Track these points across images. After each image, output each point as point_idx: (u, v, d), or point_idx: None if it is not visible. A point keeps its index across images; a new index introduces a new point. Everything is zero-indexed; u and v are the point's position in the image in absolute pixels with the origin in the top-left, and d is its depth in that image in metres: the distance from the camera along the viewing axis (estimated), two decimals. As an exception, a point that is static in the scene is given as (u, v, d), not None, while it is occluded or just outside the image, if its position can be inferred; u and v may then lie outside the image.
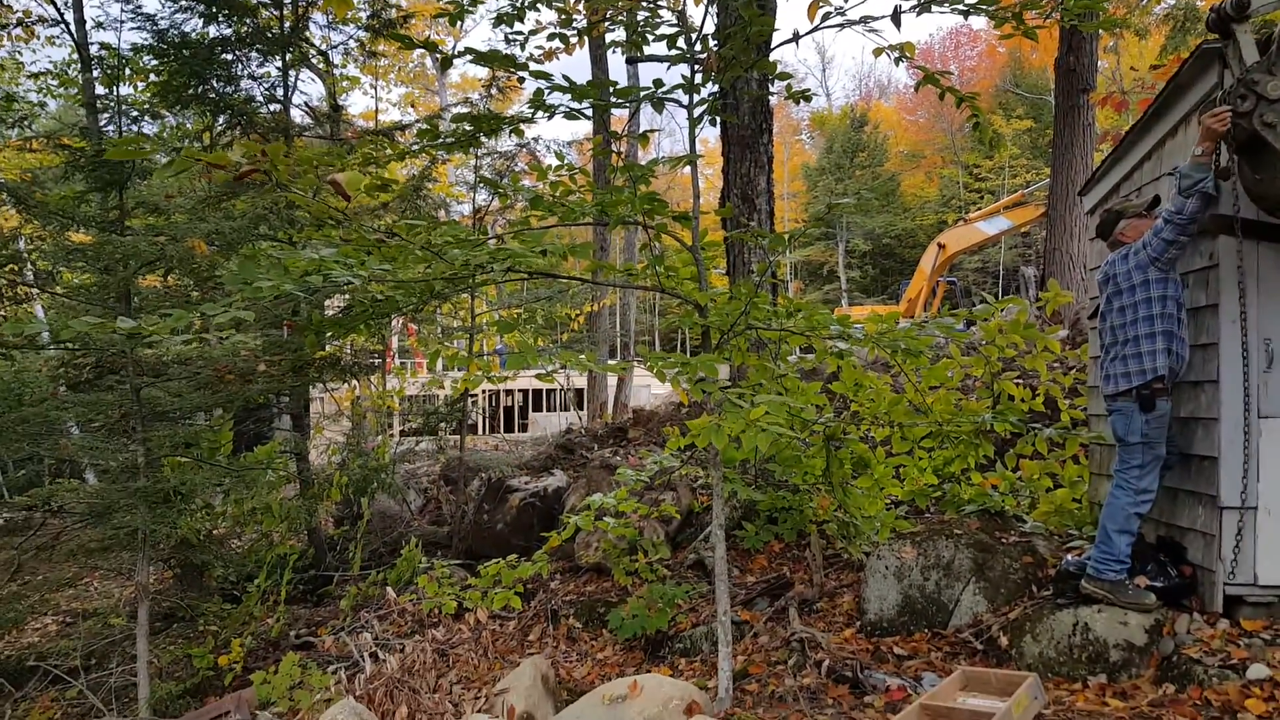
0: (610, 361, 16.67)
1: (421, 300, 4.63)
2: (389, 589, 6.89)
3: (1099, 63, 13.82)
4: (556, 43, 5.23)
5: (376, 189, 4.02)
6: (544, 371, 4.04)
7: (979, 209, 28.09)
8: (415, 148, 5.15)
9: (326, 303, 8.87)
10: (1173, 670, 3.87)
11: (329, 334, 6.67)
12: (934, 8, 3.77)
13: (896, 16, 3.82)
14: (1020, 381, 6.54)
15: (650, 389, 24.40)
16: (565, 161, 4.69)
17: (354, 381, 10.18)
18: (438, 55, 4.63)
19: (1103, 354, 4.45)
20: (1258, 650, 3.78)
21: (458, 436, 11.30)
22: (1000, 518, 5.96)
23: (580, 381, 20.07)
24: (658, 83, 4.12)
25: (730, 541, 7.01)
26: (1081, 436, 5.72)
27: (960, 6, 3.81)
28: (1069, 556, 4.82)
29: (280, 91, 9.04)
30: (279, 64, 8.98)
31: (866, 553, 5.78)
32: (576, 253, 4.24)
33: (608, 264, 4.88)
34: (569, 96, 4.26)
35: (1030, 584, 4.93)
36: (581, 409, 19.42)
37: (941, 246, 22.45)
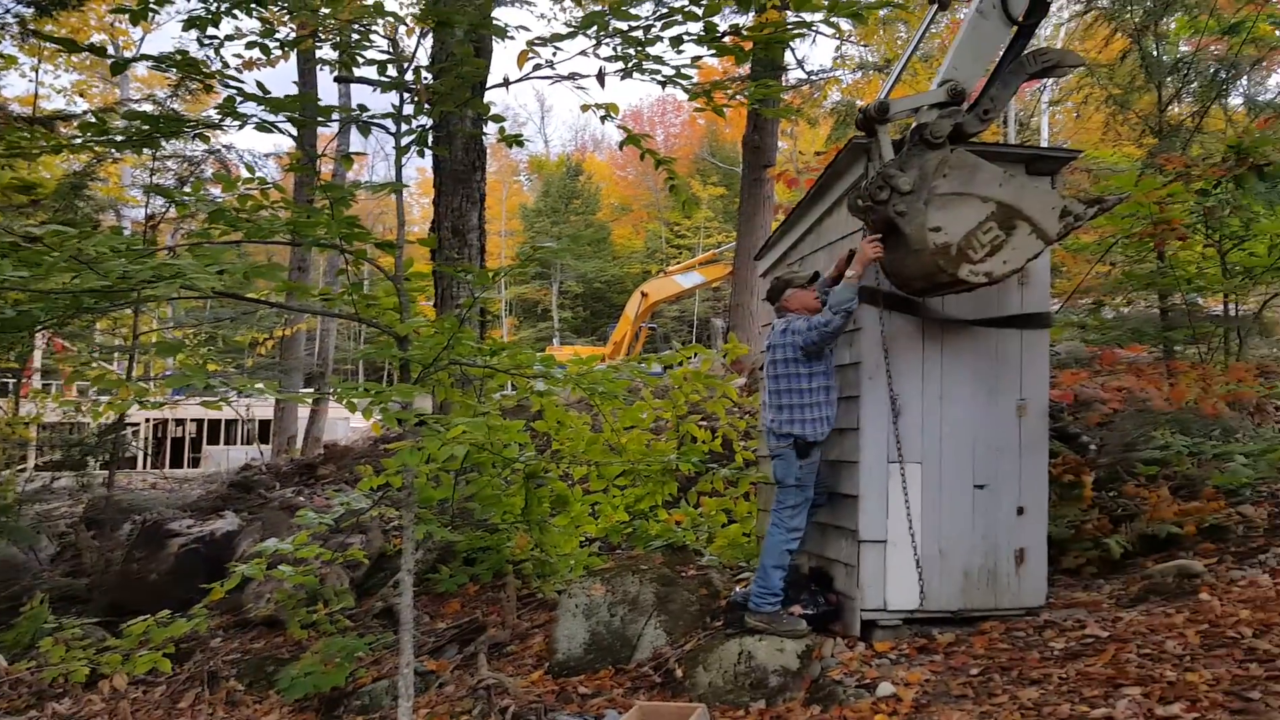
0: (302, 390, 15.61)
1: (67, 315, 4.03)
2: None
3: (780, 143, 15.58)
4: (257, 52, 4.86)
5: (16, 190, 3.45)
6: (211, 399, 3.66)
7: (678, 263, 30.22)
8: (77, 142, 4.54)
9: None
10: (820, 692, 4.30)
11: (-57, 348, 5.56)
12: (635, 75, 4.03)
13: (601, 77, 4.03)
14: (704, 424, 7.05)
15: (349, 422, 23.14)
16: (257, 174, 4.34)
17: (-25, 405, 8.56)
18: (108, 59, 4.11)
19: (765, 408, 4.92)
20: (885, 669, 4.32)
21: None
22: (682, 552, 6.35)
23: (266, 412, 18.52)
24: (362, 107, 3.97)
25: (424, 586, 6.78)
26: (751, 476, 6.27)
27: (659, 77, 4.11)
28: (738, 589, 5.23)
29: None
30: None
31: (560, 591, 5.86)
32: (262, 274, 3.92)
33: (301, 286, 4.57)
34: (265, 107, 3.96)
35: (705, 615, 5.27)
36: (267, 443, 17.91)
37: (644, 295, 23.91)
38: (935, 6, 4.56)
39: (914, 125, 4.29)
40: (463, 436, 3.55)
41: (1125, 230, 7.39)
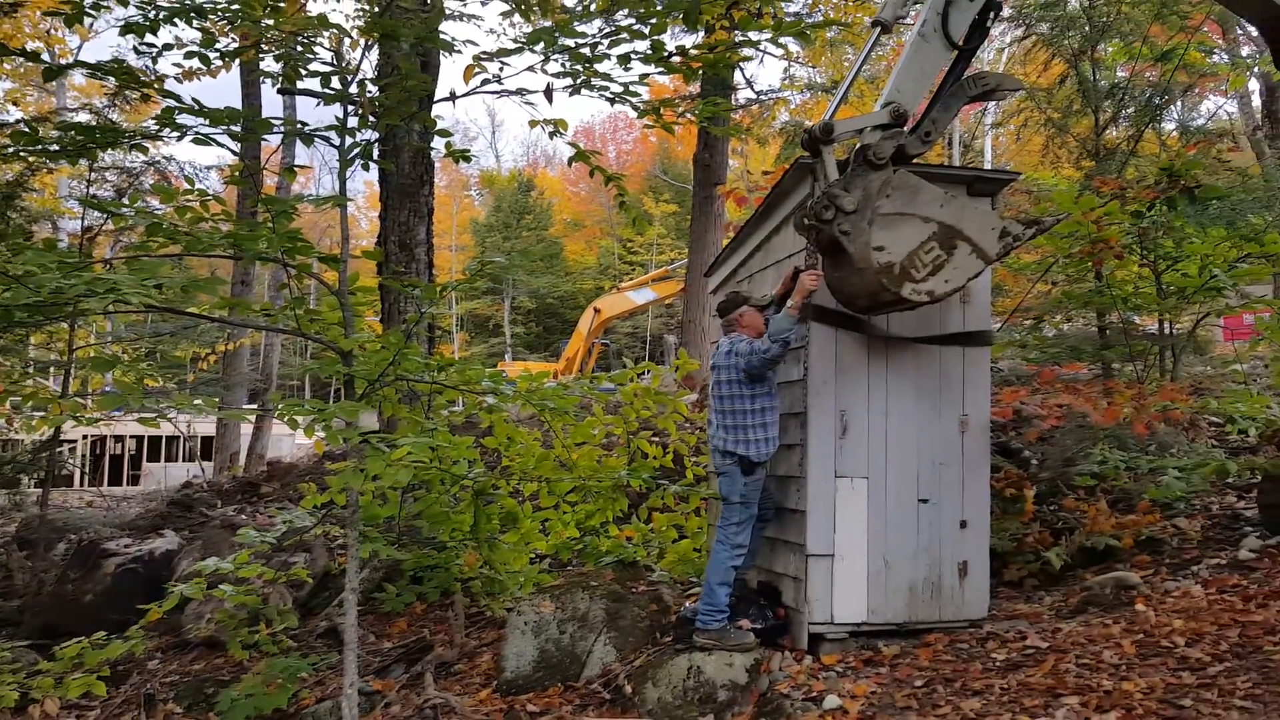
0: (244, 407, 15.26)
1: (-3, 329, 3.90)
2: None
3: (730, 162, 15.77)
4: (196, 62, 4.79)
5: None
6: (149, 416, 3.56)
7: (631, 280, 30.30)
8: (9, 151, 4.42)
9: None
10: (768, 705, 4.31)
11: None
12: (584, 91, 4.05)
13: (549, 92, 4.04)
14: (655, 440, 7.06)
15: (294, 439, 22.68)
16: (198, 187, 4.27)
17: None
18: (41, 65, 4.02)
19: (712, 426, 4.94)
20: (832, 682, 4.35)
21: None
22: (633, 568, 6.33)
23: (208, 429, 18.08)
24: (303, 122, 3.93)
25: (370, 605, 6.67)
26: (702, 491, 6.29)
27: (607, 94, 4.13)
28: (688, 604, 5.23)
29: None
30: None
31: (509, 609, 5.80)
32: (201, 287, 3.84)
33: (241, 302, 4.48)
34: (203, 119, 3.90)
35: (655, 631, 5.25)
36: (209, 460, 17.47)
37: (597, 311, 23.90)
38: (878, 29, 4.66)
39: (858, 146, 4.37)
40: (407, 459, 3.50)
41: (1065, 250, 7.60)
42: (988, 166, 22.03)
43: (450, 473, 5.99)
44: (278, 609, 6.09)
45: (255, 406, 15.88)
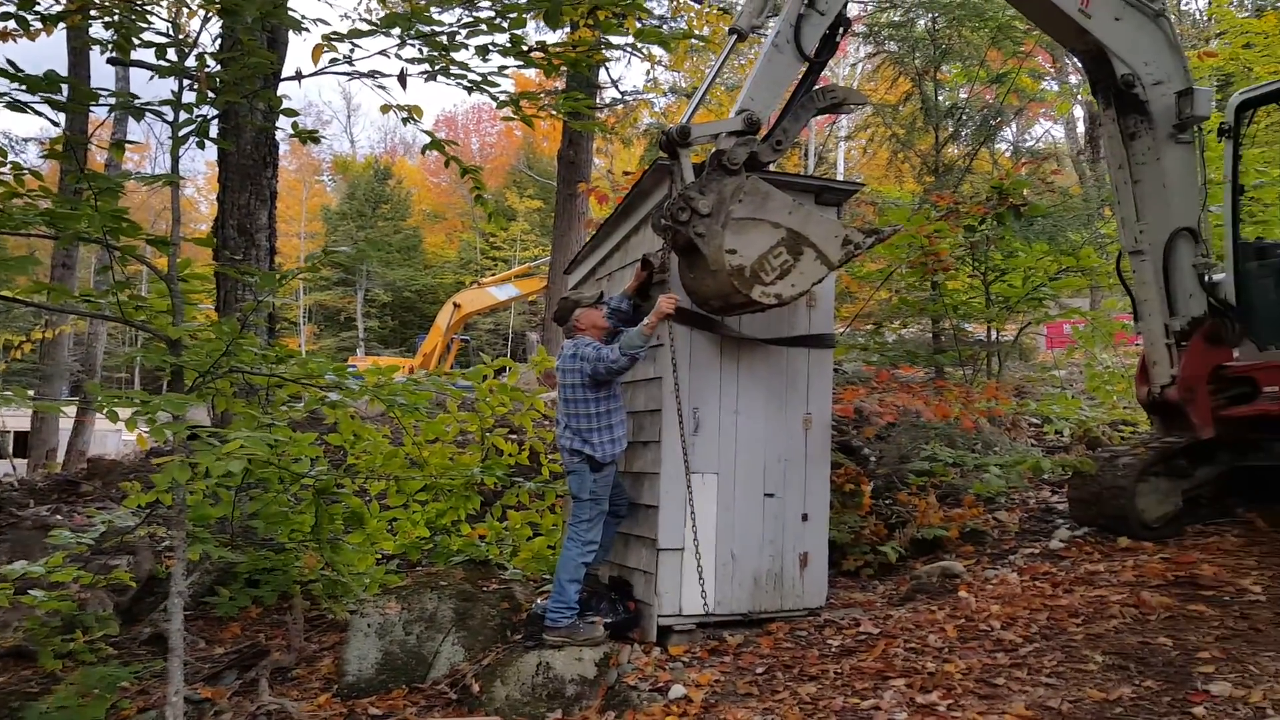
0: (61, 399, 14.05)
1: None
2: None
3: (595, 160, 15.84)
4: (13, 24, 4.36)
5: None
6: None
7: (493, 275, 29.90)
8: None
9: None
10: (615, 698, 4.36)
11: None
12: (441, 78, 3.96)
13: (403, 77, 3.93)
14: (512, 437, 7.00)
15: (121, 435, 21.06)
16: (12, 159, 3.89)
17: None
18: None
19: (559, 426, 4.94)
20: (679, 673, 4.45)
21: None
22: (485, 566, 6.25)
23: (22, 423, 16.53)
24: (134, 95, 3.65)
25: (201, 609, 6.31)
26: (558, 488, 6.29)
27: (464, 82, 4.06)
28: (539, 600, 5.22)
29: None
30: None
31: (352, 611, 5.61)
32: (11, 268, 3.52)
33: (57, 287, 4.13)
34: (19, 85, 3.56)
35: (506, 629, 5.21)
36: (24, 456, 15.96)
37: (457, 306, 23.47)
38: (734, 37, 4.79)
39: (713, 151, 4.48)
40: (239, 451, 3.32)
41: (902, 259, 8.09)
42: (840, 177, 23.09)
43: (290, 471, 5.73)
44: (96, 615, 5.66)
45: (72, 398, 14.66)
